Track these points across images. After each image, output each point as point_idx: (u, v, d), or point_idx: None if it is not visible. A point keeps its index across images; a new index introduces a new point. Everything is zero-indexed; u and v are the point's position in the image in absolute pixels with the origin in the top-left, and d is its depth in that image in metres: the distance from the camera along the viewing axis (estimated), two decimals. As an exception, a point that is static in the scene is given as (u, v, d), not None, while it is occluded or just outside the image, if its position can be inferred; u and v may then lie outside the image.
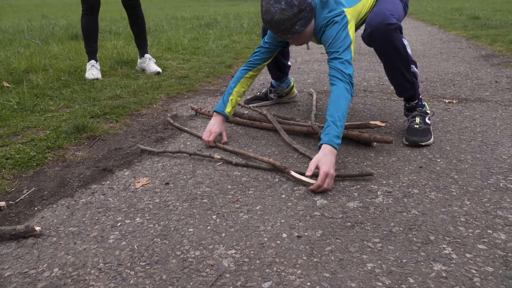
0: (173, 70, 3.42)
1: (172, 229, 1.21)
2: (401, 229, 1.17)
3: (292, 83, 2.43)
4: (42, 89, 2.67)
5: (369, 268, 1.02)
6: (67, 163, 1.69)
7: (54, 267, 1.05)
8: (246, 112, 2.19)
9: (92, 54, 3.07)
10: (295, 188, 1.43)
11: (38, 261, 1.08)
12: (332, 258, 1.06)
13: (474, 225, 1.18)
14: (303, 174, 1.45)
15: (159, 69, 3.26)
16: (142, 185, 1.49)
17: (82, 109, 2.30)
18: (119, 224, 1.24)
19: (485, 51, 4.03)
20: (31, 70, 3.19)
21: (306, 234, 1.16)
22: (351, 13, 1.65)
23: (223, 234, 1.17)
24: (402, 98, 1.93)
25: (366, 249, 1.09)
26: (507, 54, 3.75)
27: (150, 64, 3.27)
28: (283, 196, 1.38)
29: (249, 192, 1.41)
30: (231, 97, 1.86)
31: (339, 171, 1.52)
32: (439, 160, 1.61)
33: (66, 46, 4.41)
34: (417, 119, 1.81)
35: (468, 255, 1.05)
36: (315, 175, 1.41)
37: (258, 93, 2.50)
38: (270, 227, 1.20)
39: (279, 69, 2.27)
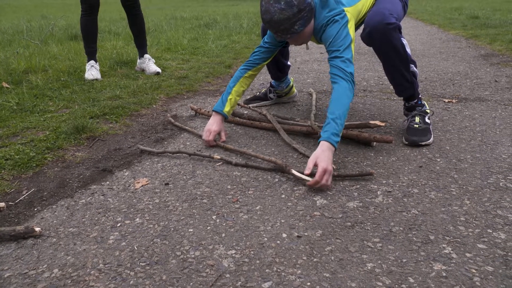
0: (172, 71, 3.42)
1: (172, 229, 1.21)
2: (401, 228, 1.17)
3: (291, 83, 2.43)
4: (42, 90, 2.67)
5: (369, 268, 1.02)
6: (67, 164, 1.69)
7: (54, 268, 1.05)
8: (245, 112, 2.19)
9: (91, 54, 3.07)
10: (295, 188, 1.43)
11: (38, 262, 1.08)
12: (332, 258, 1.06)
13: (474, 224, 1.18)
14: (303, 173, 1.45)
15: (159, 70, 3.26)
16: (142, 186, 1.48)
17: (81, 110, 2.30)
18: (119, 224, 1.24)
19: (484, 50, 4.03)
20: (30, 70, 3.18)
21: (306, 234, 1.16)
22: (351, 12, 1.65)
23: (223, 234, 1.17)
24: (402, 98, 1.93)
25: (366, 249, 1.09)
26: (506, 54, 3.75)
27: (149, 64, 3.27)
28: (283, 196, 1.38)
29: (249, 192, 1.41)
30: (230, 97, 1.86)
31: (339, 171, 1.52)
32: (439, 160, 1.61)
33: (66, 46, 4.41)
34: (417, 119, 1.81)
35: (468, 254, 1.05)
36: (313, 174, 1.40)
37: (258, 93, 2.50)
38: (270, 227, 1.20)
39: (279, 69, 2.27)
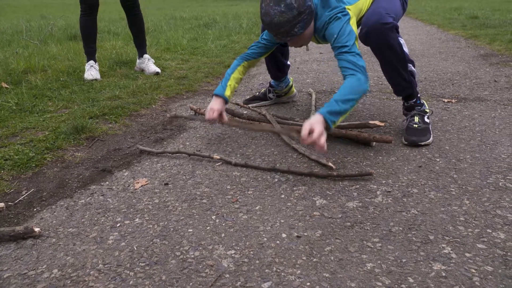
0: (172, 71, 3.42)
1: (172, 229, 1.21)
2: (401, 228, 1.17)
3: (291, 83, 2.43)
4: (41, 90, 2.66)
5: (368, 268, 1.02)
6: (66, 164, 1.69)
7: (54, 268, 1.05)
8: (245, 112, 2.19)
9: (91, 54, 3.07)
10: (294, 188, 1.43)
11: (37, 262, 1.08)
12: (332, 258, 1.06)
13: (474, 224, 1.18)
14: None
15: (158, 70, 3.26)
16: (141, 186, 1.48)
17: (81, 110, 2.30)
18: (118, 224, 1.24)
19: (484, 50, 4.03)
20: (29, 70, 3.18)
21: (305, 234, 1.16)
22: (353, 10, 1.66)
23: (223, 235, 1.17)
24: (401, 97, 1.93)
25: (365, 249, 1.09)
26: (505, 54, 3.75)
27: (149, 64, 3.27)
28: (283, 196, 1.38)
29: (249, 192, 1.41)
30: (229, 83, 1.84)
31: (338, 171, 1.52)
32: (438, 160, 1.61)
33: (65, 46, 4.41)
34: (416, 119, 1.81)
35: (467, 254, 1.05)
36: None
37: (257, 93, 2.50)
38: (269, 227, 1.20)
39: (278, 68, 2.27)
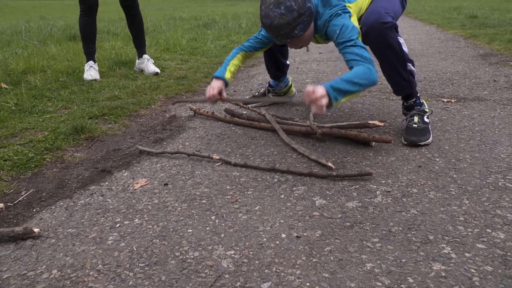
0: (171, 71, 3.42)
1: (171, 230, 1.21)
2: (400, 228, 1.17)
3: (290, 82, 2.43)
4: (40, 90, 2.66)
5: (368, 268, 1.02)
6: (66, 164, 1.69)
7: (53, 269, 1.05)
8: (244, 112, 2.19)
9: (90, 55, 3.07)
10: (294, 189, 1.42)
11: (36, 263, 1.08)
12: (331, 258, 1.06)
13: (473, 224, 1.18)
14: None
15: (158, 70, 3.26)
16: (141, 186, 1.48)
17: (80, 110, 2.30)
18: (118, 225, 1.24)
19: (483, 50, 4.03)
20: (29, 71, 3.18)
21: (305, 234, 1.16)
22: (353, 8, 1.67)
23: (222, 235, 1.17)
24: (400, 97, 1.93)
25: (365, 249, 1.09)
26: (505, 53, 3.76)
27: (148, 64, 3.27)
28: (282, 196, 1.38)
29: (248, 192, 1.41)
30: (229, 67, 1.87)
31: (338, 171, 1.52)
32: (438, 160, 1.61)
33: (64, 47, 4.41)
34: (416, 118, 1.81)
35: (467, 254, 1.05)
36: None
37: (257, 93, 2.50)
38: (269, 228, 1.20)
39: (278, 68, 2.27)
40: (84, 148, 1.86)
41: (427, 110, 1.86)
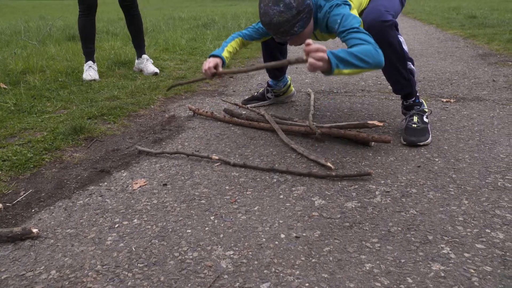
0: (170, 71, 3.42)
1: (170, 230, 1.20)
2: (400, 229, 1.17)
3: (289, 82, 2.42)
4: (39, 90, 2.66)
5: (367, 268, 1.01)
6: (65, 165, 1.68)
7: (52, 269, 1.05)
8: (244, 112, 2.19)
9: (89, 55, 3.06)
10: (293, 189, 1.42)
11: (35, 264, 1.07)
12: (331, 258, 1.06)
13: (472, 224, 1.18)
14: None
15: (157, 70, 3.25)
16: (140, 186, 1.48)
17: (79, 110, 2.29)
18: (116, 225, 1.24)
19: (482, 50, 4.03)
20: (28, 71, 3.18)
21: (304, 234, 1.16)
22: (354, 3, 1.67)
23: (221, 235, 1.17)
24: (400, 96, 1.93)
25: (364, 249, 1.09)
26: (504, 53, 3.76)
27: (147, 64, 3.26)
28: (281, 196, 1.38)
29: (247, 192, 1.41)
30: (226, 48, 1.88)
31: (337, 171, 1.52)
32: (437, 160, 1.61)
33: (63, 47, 4.40)
34: (415, 118, 1.81)
35: (466, 254, 1.05)
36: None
37: (255, 93, 2.49)
38: (268, 228, 1.20)
39: (277, 67, 2.26)
40: (83, 148, 1.86)
41: (426, 110, 1.86)
